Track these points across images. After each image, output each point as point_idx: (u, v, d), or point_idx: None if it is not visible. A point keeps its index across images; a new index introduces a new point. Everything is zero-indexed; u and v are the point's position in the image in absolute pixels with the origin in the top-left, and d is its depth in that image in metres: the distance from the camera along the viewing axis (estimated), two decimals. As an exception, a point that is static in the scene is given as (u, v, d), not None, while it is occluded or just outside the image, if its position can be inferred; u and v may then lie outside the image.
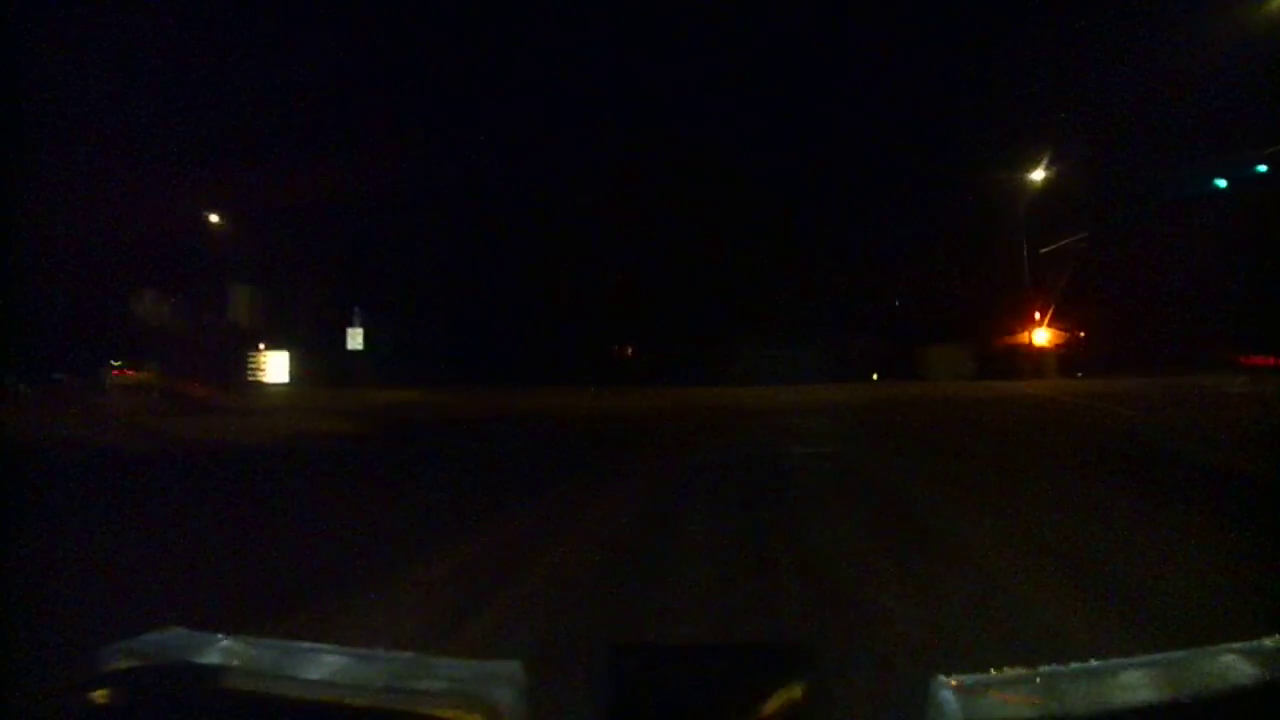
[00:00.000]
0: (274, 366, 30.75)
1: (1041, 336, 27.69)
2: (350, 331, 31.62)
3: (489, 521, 5.28)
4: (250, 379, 29.54)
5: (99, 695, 0.93)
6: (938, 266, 29.00)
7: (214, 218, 28.52)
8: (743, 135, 34.47)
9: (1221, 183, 22.12)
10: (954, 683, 0.92)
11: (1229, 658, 0.97)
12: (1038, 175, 26.76)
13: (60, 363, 26.73)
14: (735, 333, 28.70)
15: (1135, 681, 0.96)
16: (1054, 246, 26.99)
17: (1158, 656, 1.01)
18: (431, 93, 33.23)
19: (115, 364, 27.12)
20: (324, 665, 0.94)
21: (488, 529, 5.07)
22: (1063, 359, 27.24)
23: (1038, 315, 27.77)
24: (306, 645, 0.97)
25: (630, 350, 33.38)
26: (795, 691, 0.92)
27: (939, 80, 32.58)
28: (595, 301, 31.46)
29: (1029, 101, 28.25)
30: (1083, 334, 28.01)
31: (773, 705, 0.90)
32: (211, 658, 0.94)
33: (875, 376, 27.19)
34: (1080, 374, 25.10)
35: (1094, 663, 1.00)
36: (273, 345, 30.84)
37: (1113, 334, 26.00)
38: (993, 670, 0.98)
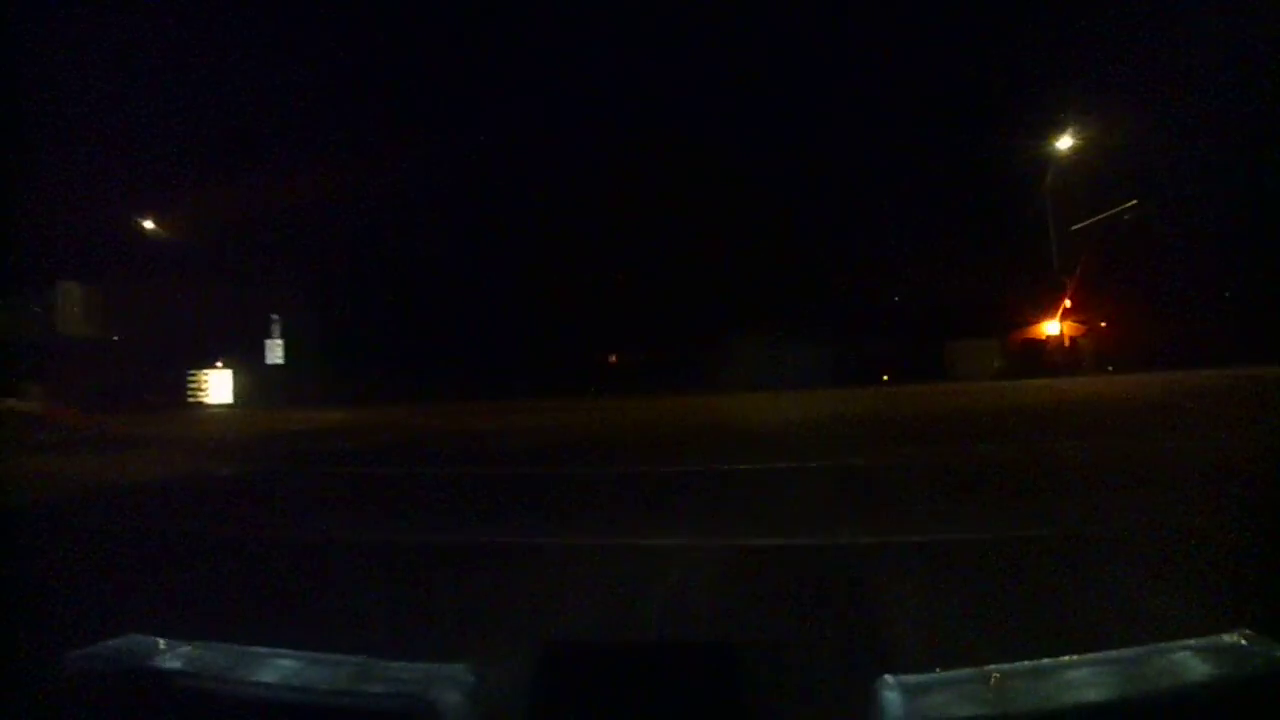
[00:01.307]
0: (216, 386, 28.87)
1: (1055, 328, 25.50)
2: (269, 344, 28.18)
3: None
4: (191, 400, 27.92)
5: (59, 702, 0.96)
6: (949, 253, 26.02)
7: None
8: (741, 114, 32.41)
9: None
10: (900, 682, 0.92)
11: (1181, 654, 0.98)
12: (1064, 143, 23.99)
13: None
14: (727, 333, 26.26)
15: (1085, 680, 0.97)
16: (1090, 221, 24.19)
17: (1110, 654, 1.01)
18: (394, 83, 30.95)
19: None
20: (277, 669, 0.97)
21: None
22: (1091, 352, 25.02)
23: (1068, 303, 25.28)
24: (262, 650, 1.00)
25: (614, 357, 31.10)
26: (738, 690, 0.93)
27: (945, 38, 28.16)
28: (571, 303, 29.36)
29: (1052, 54, 24.92)
30: (1103, 324, 25.44)
31: (716, 704, 0.91)
32: (169, 663, 0.97)
33: (885, 378, 25.56)
34: (1110, 368, 23.21)
35: (1044, 661, 1.00)
36: (206, 362, 29.05)
37: (1141, 323, 23.73)
38: (940, 670, 0.98)
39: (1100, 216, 24.01)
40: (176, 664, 1.04)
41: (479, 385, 25.75)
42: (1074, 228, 24.64)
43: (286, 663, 1.03)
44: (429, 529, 5.02)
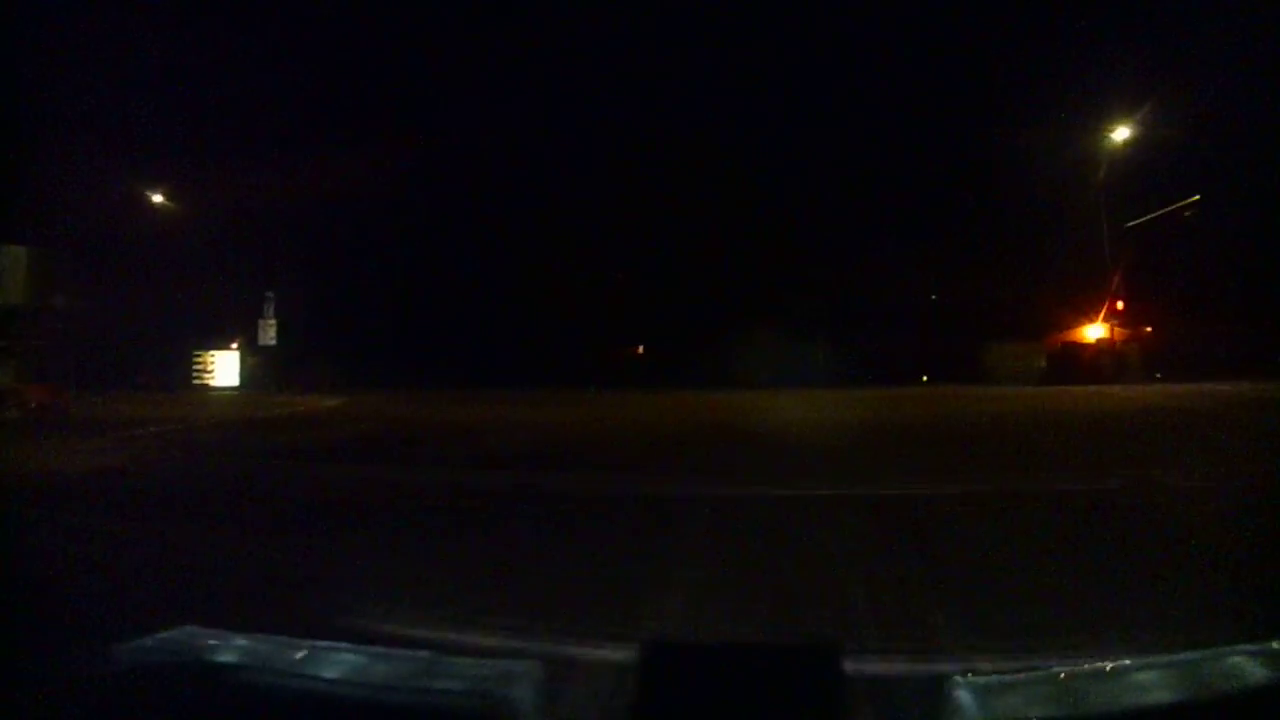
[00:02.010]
0: (223, 367, 27.80)
1: (1102, 332, 23.95)
2: (261, 323, 26.95)
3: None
4: (195, 381, 27.10)
5: (111, 694, 0.93)
6: (993, 251, 24.78)
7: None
8: (766, 101, 31.44)
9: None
10: (971, 682, 0.92)
11: (1238, 659, 0.99)
12: (1121, 134, 22.44)
13: None
14: (759, 328, 25.13)
15: (1148, 682, 0.99)
16: (1147, 218, 22.57)
17: (1169, 657, 1.04)
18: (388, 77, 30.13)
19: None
20: (339, 664, 0.95)
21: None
22: (1138, 359, 23.37)
23: (1119, 305, 23.63)
24: (322, 644, 0.98)
25: (640, 348, 30.16)
26: (816, 692, 0.92)
27: (991, 26, 26.73)
28: (580, 296, 28.61)
29: (1110, 36, 23.37)
30: (1149, 329, 23.62)
31: (794, 705, 0.90)
32: (225, 656, 0.95)
33: (925, 379, 24.25)
34: (1158, 375, 21.54)
35: (1108, 664, 1.01)
36: (215, 342, 27.91)
37: (1191, 328, 21.93)
38: (1008, 672, 0.99)
39: (1158, 213, 22.40)
40: (232, 657, 1.02)
41: (490, 374, 25.43)
42: (1129, 225, 23.10)
43: (349, 656, 1.01)
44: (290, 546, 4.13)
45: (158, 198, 26.39)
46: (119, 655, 0.99)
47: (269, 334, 26.92)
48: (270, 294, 27.00)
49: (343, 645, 1.03)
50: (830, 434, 10.51)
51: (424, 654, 1.03)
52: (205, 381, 27.30)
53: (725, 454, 8.47)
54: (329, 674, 0.98)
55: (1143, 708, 0.97)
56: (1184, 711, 0.96)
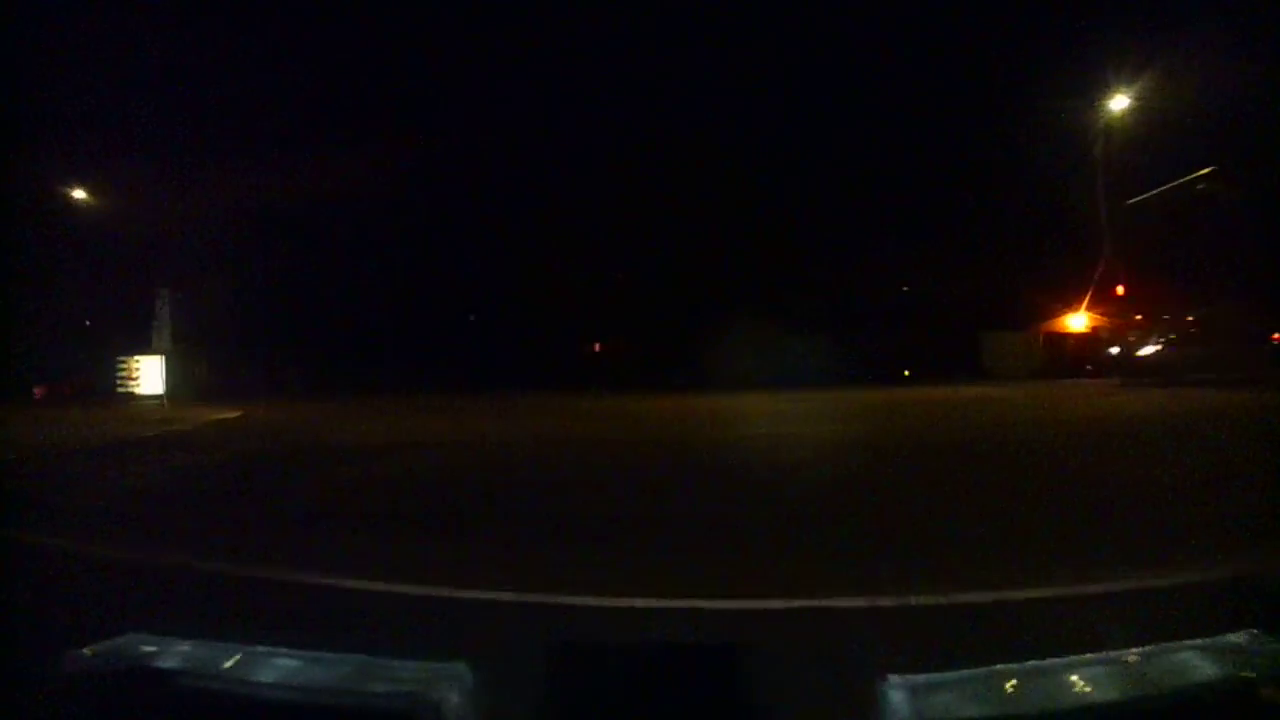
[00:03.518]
0: (148, 374, 25.47)
1: (1080, 322, 22.45)
2: (155, 326, 24.37)
3: None
4: (120, 389, 24.91)
5: (57, 701, 0.95)
6: (980, 232, 23.27)
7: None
8: (748, 87, 31.06)
9: None
10: (905, 682, 0.92)
11: (1187, 654, 0.98)
12: (1119, 103, 20.96)
13: None
14: (724, 322, 23.70)
15: (1090, 679, 0.97)
16: (1150, 194, 20.97)
17: (1115, 654, 1.02)
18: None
19: None
20: (278, 668, 0.98)
21: None
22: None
23: (1120, 290, 21.97)
24: (261, 649, 1.00)
25: (598, 346, 28.29)
26: (744, 691, 0.92)
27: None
28: (572, 295, 27.00)
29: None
30: (1139, 317, 21.85)
31: (721, 705, 0.90)
32: (168, 662, 0.97)
33: (906, 374, 23.12)
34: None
35: (1049, 661, 1.00)
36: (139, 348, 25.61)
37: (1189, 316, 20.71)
38: (944, 670, 0.97)
39: (1164, 188, 20.71)
40: (175, 663, 1.05)
41: (458, 377, 24.41)
42: (1130, 202, 21.54)
43: (287, 661, 1.04)
44: None
45: (79, 194, 24.61)
46: (63, 663, 1.02)
47: (163, 337, 24.34)
48: (165, 291, 24.35)
49: (280, 650, 1.05)
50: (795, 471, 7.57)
51: (358, 657, 1.05)
52: (130, 390, 25.20)
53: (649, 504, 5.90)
54: (266, 678, 1.01)
55: (1083, 706, 0.96)
56: (1128, 708, 0.94)
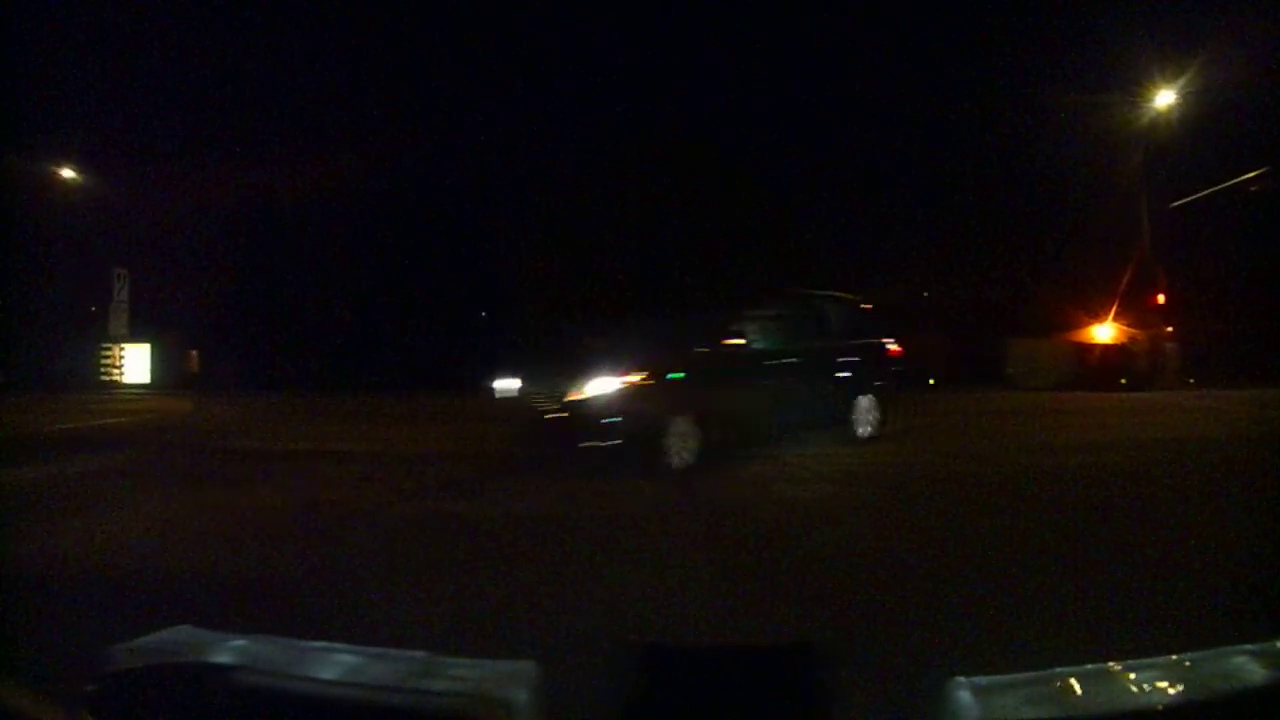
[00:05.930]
0: (133, 363, 25.02)
1: (1106, 333, 21.03)
2: (113, 309, 22.67)
3: None
4: (104, 378, 24.32)
5: (107, 695, 0.93)
6: (1001, 241, 22.36)
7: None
8: (767, 84, 29.46)
9: None
10: (971, 684, 0.92)
11: (1240, 659, 1.00)
12: (1165, 99, 19.88)
13: None
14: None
15: (1149, 682, 0.98)
16: (1198, 196, 19.68)
17: (1171, 658, 1.04)
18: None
19: None
20: (336, 664, 0.96)
21: None
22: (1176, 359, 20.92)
23: (1160, 298, 20.76)
24: (319, 644, 0.99)
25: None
26: (811, 692, 0.92)
27: None
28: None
29: None
30: (1170, 328, 20.72)
31: (788, 705, 0.90)
32: (221, 656, 0.95)
33: (931, 382, 21.42)
34: (1192, 380, 19.10)
35: (1109, 664, 1.01)
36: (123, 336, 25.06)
37: (1244, 326, 19.56)
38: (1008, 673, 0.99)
39: (1212, 189, 19.53)
40: (229, 658, 1.02)
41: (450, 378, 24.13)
42: (1175, 204, 20.50)
43: (345, 657, 1.02)
44: None
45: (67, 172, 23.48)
46: (115, 656, 1.00)
47: (120, 322, 22.86)
48: (123, 272, 22.74)
49: (339, 646, 1.04)
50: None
51: (421, 654, 1.03)
52: (115, 379, 24.70)
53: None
54: (326, 674, 0.99)
55: (1143, 708, 0.97)
56: (1184, 712, 0.96)
